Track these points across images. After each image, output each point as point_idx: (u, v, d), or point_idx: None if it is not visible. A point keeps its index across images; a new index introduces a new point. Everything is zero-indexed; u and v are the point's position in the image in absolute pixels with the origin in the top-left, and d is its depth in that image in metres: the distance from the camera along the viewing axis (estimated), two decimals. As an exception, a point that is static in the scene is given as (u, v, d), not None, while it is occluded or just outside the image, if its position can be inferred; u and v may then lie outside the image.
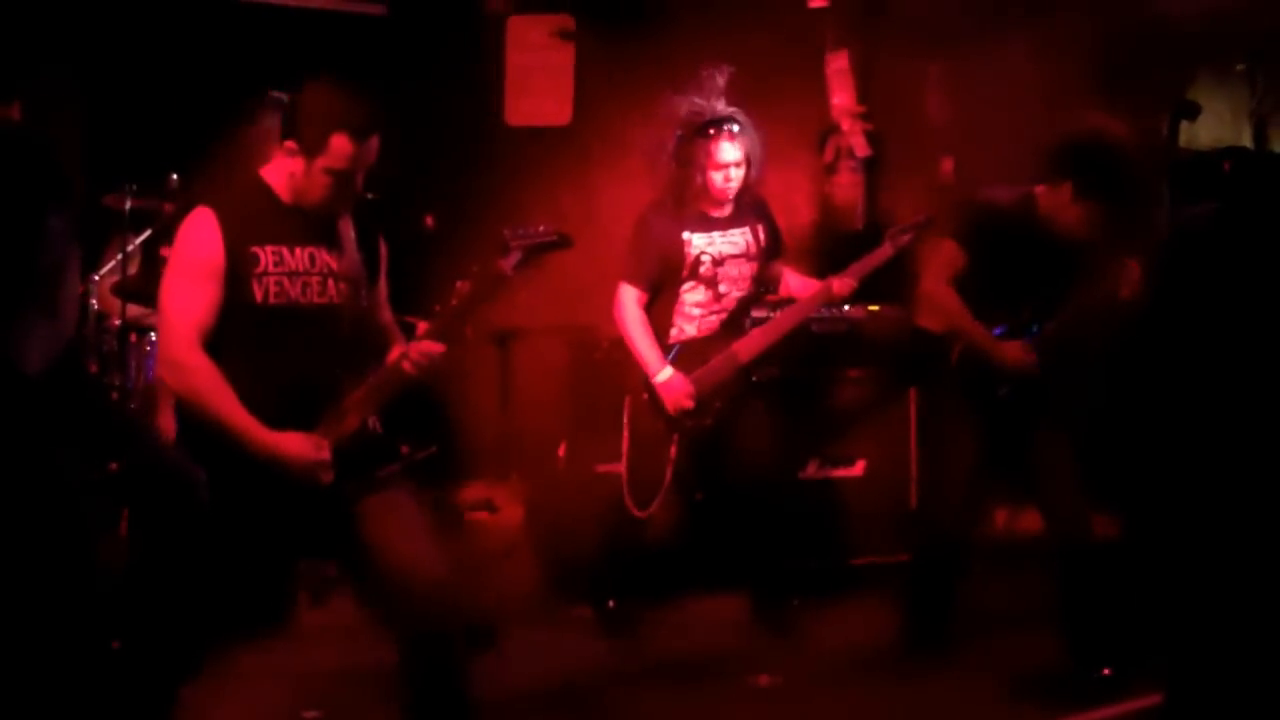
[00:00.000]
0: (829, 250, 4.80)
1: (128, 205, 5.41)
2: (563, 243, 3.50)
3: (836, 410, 5.20)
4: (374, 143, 3.19)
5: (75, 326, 3.27)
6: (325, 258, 3.22)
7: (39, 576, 3.08)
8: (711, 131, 4.37)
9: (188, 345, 3.09)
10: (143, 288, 5.68)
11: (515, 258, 3.34)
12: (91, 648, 3.38)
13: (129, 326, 5.52)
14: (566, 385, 5.45)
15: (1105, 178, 3.97)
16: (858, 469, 5.16)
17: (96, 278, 5.63)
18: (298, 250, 3.18)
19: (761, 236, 4.55)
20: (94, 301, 5.60)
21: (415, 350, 3.25)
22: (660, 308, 4.51)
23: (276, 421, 3.10)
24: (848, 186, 6.11)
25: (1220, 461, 3.21)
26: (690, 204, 4.46)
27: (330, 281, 3.21)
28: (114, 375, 5.44)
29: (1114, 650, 4.03)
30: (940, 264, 4.18)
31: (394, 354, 3.33)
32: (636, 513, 4.52)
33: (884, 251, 4.46)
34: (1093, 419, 4.39)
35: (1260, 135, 5.48)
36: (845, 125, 6.07)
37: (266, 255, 3.15)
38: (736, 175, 4.42)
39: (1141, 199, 4.11)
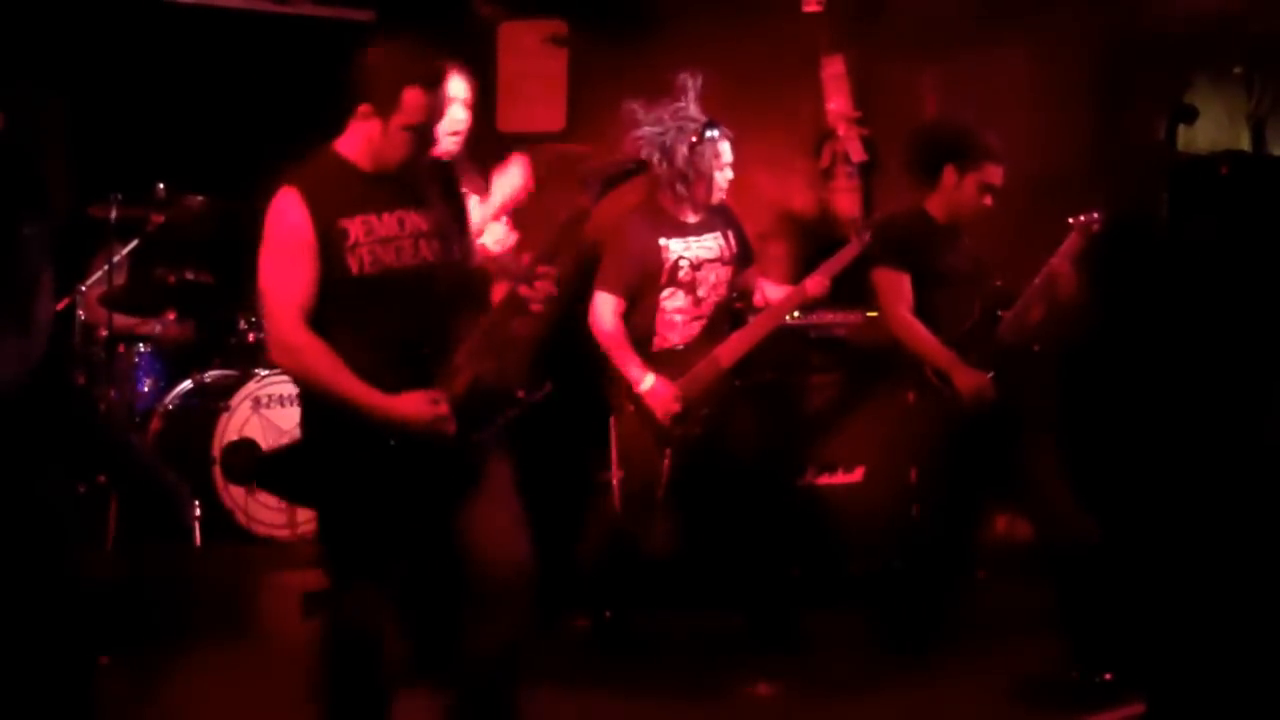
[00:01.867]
0: (827, 256, 4.73)
1: (114, 215, 5.37)
2: (639, 169, 3.57)
3: (835, 416, 5.16)
4: (445, 90, 3.23)
5: (47, 341, 3.21)
6: (414, 219, 3.22)
7: (16, 589, 3.02)
8: (716, 133, 4.39)
9: (294, 325, 3.10)
10: (130, 298, 5.63)
11: (595, 190, 3.31)
12: (75, 661, 3.32)
13: (116, 337, 5.47)
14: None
15: (971, 143, 4.30)
16: (857, 475, 5.12)
17: (83, 288, 5.58)
18: (385, 216, 3.18)
19: (732, 242, 4.55)
20: (81, 312, 5.54)
21: (530, 277, 3.20)
22: (641, 318, 4.48)
23: (391, 387, 3.10)
24: (845, 192, 6.08)
25: (1205, 468, 3.19)
26: (679, 209, 4.44)
27: (422, 242, 3.21)
28: (102, 386, 5.39)
29: (1115, 655, 4.02)
30: (896, 294, 4.32)
31: (500, 291, 3.30)
32: (631, 530, 4.48)
33: (852, 248, 4.49)
34: (1072, 424, 4.41)
35: (1258, 138, 5.45)
36: (842, 130, 6.04)
37: (356, 227, 3.14)
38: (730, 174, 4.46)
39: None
